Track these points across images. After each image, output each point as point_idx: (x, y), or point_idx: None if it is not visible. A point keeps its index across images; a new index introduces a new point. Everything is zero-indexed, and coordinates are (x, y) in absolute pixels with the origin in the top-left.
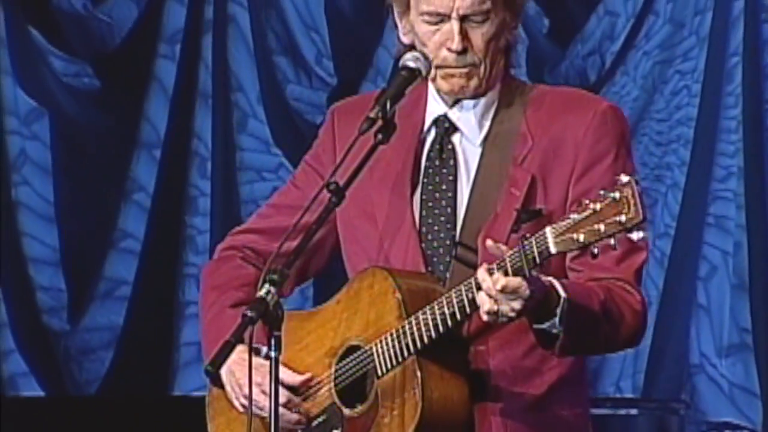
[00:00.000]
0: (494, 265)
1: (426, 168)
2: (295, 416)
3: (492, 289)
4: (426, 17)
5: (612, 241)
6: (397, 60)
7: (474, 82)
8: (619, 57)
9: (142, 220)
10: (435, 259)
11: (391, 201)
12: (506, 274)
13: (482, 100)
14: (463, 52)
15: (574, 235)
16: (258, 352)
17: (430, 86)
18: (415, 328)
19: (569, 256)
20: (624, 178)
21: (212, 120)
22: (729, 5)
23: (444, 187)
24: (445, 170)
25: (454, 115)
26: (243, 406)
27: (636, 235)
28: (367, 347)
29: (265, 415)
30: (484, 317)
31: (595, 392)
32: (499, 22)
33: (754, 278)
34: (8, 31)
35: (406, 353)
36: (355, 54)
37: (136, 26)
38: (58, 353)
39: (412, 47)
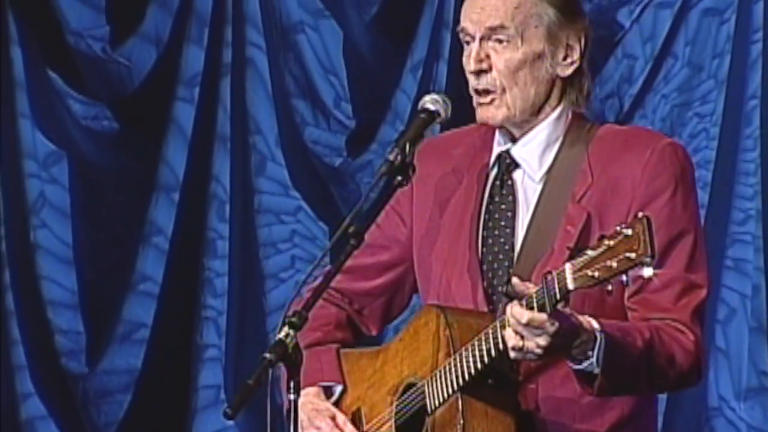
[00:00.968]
0: (522, 301)
1: (488, 205)
2: None
3: (517, 325)
4: (461, 35)
5: (624, 278)
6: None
7: (503, 111)
8: (638, 100)
9: (160, 263)
10: (495, 297)
11: (456, 240)
12: (531, 309)
13: (544, 136)
14: (479, 72)
15: (590, 272)
16: (331, 392)
17: None
18: (458, 365)
19: (626, 294)
20: (639, 214)
21: (230, 163)
22: (747, 48)
23: (503, 223)
24: (504, 206)
25: (516, 151)
26: None
27: (647, 272)
28: (420, 384)
29: None
30: (511, 354)
31: None
32: (532, 52)
33: None
34: (27, 73)
35: (451, 390)
36: (373, 97)
37: (154, 69)
38: (77, 396)
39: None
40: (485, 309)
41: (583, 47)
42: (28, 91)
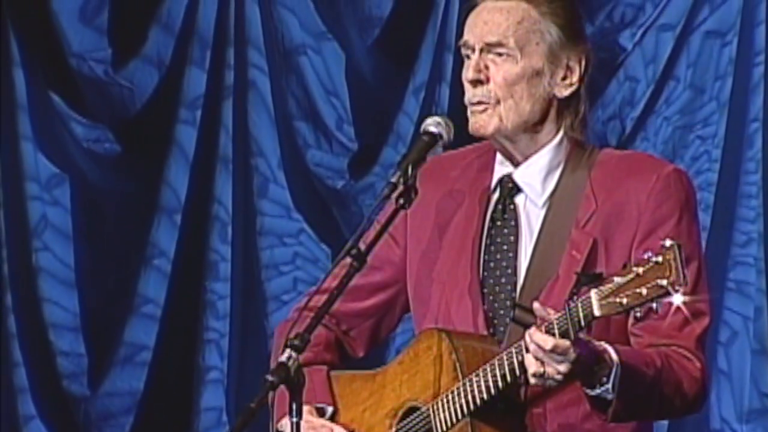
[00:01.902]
0: (542, 328)
1: (489, 229)
2: None
3: (539, 351)
4: (462, 50)
5: (654, 305)
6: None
7: (494, 122)
8: (640, 122)
9: (162, 285)
10: (495, 321)
11: (457, 263)
12: (553, 336)
13: (546, 161)
14: (477, 83)
15: (617, 299)
16: (323, 413)
17: None
18: (468, 390)
19: (630, 321)
20: (668, 242)
21: (233, 185)
22: (749, 71)
23: (505, 247)
24: (506, 230)
25: (518, 175)
26: None
27: (677, 299)
28: (424, 408)
29: None
30: (531, 380)
31: None
32: (531, 67)
33: None
34: (29, 96)
35: (460, 415)
36: (375, 119)
37: (156, 92)
38: (79, 419)
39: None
40: (485, 332)
41: (583, 70)
42: (30, 113)
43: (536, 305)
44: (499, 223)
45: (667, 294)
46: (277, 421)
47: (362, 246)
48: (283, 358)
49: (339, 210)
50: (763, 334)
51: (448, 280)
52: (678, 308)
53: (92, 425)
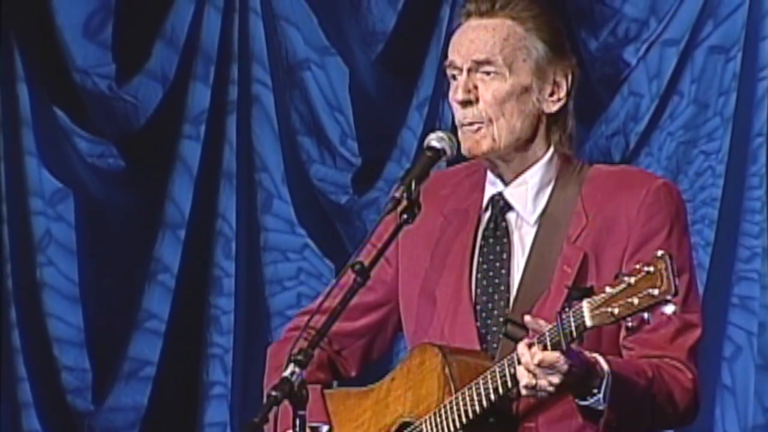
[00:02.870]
0: (534, 340)
1: (481, 247)
2: None
3: (530, 364)
4: (448, 70)
5: (646, 315)
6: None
7: (487, 142)
8: (644, 137)
9: (166, 301)
10: (489, 337)
11: (449, 280)
12: (545, 348)
13: (537, 178)
14: (467, 103)
15: (609, 309)
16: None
17: None
18: (461, 404)
19: (622, 333)
20: (659, 253)
21: (236, 200)
22: (753, 86)
23: (498, 264)
24: (499, 248)
25: (509, 193)
26: None
27: (669, 309)
28: (417, 423)
29: None
30: (523, 392)
31: None
32: (519, 84)
33: None
34: (33, 111)
35: (452, 429)
36: (379, 134)
37: (160, 107)
38: None
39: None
40: (478, 348)
41: (569, 85)
42: (34, 129)
43: (527, 318)
44: (491, 240)
45: (659, 303)
46: None
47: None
48: (287, 373)
49: (343, 225)
50: (767, 350)
51: (441, 299)
52: (669, 320)
53: None
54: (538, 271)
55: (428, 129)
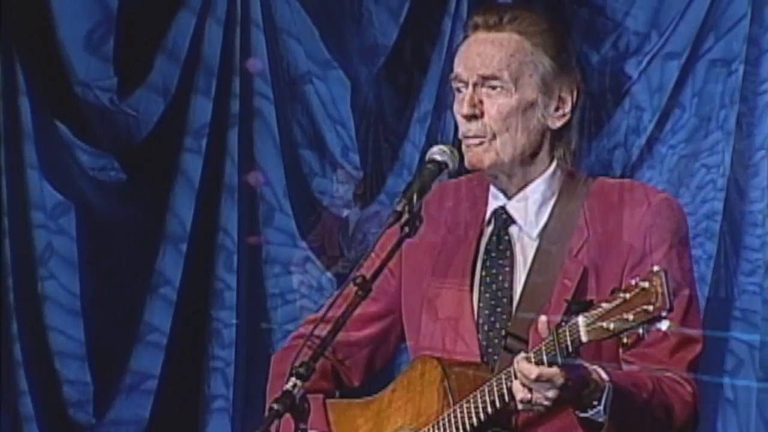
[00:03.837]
0: (530, 354)
1: (484, 260)
2: None
3: (525, 378)
4: (453, 83)
5: (641, 331)
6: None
7: (491, 156)
8: (645, 151)
9: (168, 314)
10: (490, 350)
11: (451, 293)
12: (542, 362)
13: (540, 192)
14: (472, 117)
15: (605, 324)
16: None
17: None
18: (459, 416)
19: (621, 348)
20: (655, 268)
21: (238, 213)
22: (755, 99)
23: (501, 278)
24: (501, 262)
25: (512, 207)
26: None
27: (663, 325)
28: None
29: None
30: (519, 406)
31: None
32: (525, 100)
33: None
34: (34, 124)
35: None
36: (381, 147)
37: (162, 120)
38: None
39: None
40: (479, 360)
41: (574, 101)
42: (35, 142)
43: (542, 318)
44: (494, 254)
45: (654, 320)
46: None
47: (366, 274)
48: (289, 386)
49: (344, 238)
50: None
51: (443, 311)
52: (669, 335)
53: None
54: (539, 284)
55: (430, 142)
